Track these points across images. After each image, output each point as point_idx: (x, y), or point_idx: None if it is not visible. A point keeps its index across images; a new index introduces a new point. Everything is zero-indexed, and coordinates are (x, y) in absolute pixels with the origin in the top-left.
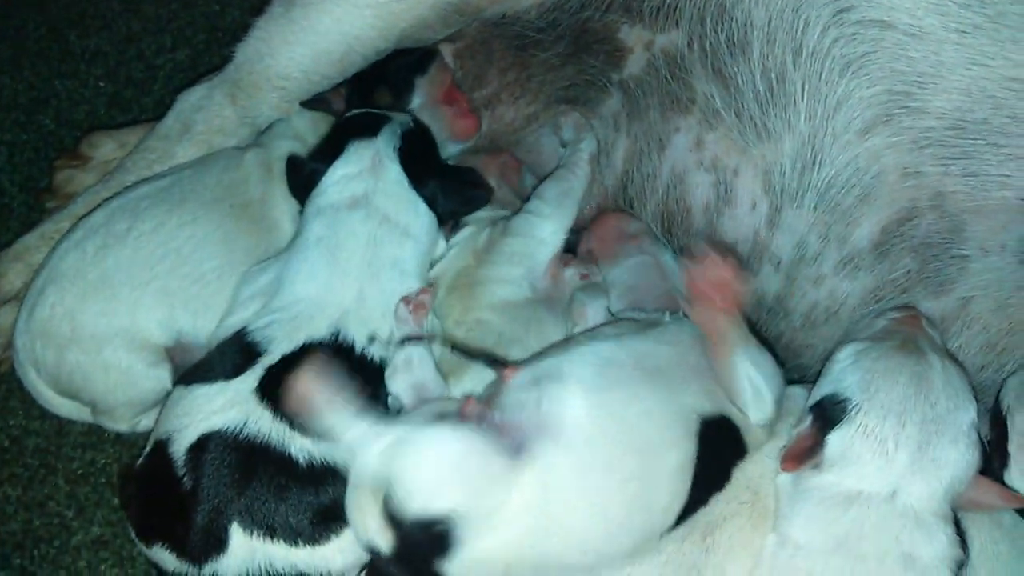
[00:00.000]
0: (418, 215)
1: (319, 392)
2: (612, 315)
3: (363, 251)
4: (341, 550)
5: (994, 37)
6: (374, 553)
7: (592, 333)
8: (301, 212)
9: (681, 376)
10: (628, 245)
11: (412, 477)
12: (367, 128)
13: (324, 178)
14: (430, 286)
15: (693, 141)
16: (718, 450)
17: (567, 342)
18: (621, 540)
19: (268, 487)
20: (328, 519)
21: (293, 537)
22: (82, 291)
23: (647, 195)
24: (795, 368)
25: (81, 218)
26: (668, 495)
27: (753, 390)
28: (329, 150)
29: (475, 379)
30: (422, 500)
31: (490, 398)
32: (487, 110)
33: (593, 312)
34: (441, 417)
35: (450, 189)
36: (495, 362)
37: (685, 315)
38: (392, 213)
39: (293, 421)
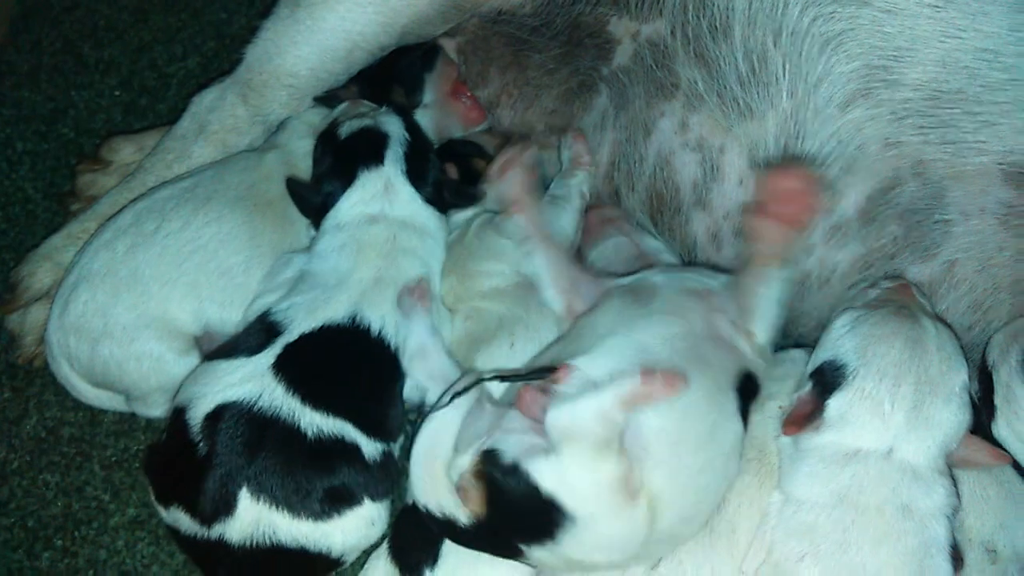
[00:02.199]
0: (430, 217)
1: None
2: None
3: (382, 248)
4: (343, 530)
5: (964, 10)
6: (444, 524)
7: (610, 324)
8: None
9: (703, 346)
10: (607, 227)
11: (576, 470)
12: (373, 155)
13: (339, 203)
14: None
15: (678, 124)
16: (744, 403)
17: (572, 334)
18: (686, 528)
19: (277, 458)
20: (332, 496)
21: (297, 508)
22: (114, 287)
23: (635, 179)
24: (794, 336)
25: (106, 218)
26: (733, 470)
27: (770, 311)
28: (339, 175)
29: (485, 359)
30: (558, 481)
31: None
32: (489, 113)
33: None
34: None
35: (451, 190)
36: (541, 372)
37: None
38: (408, 220)
39: (306, 395)
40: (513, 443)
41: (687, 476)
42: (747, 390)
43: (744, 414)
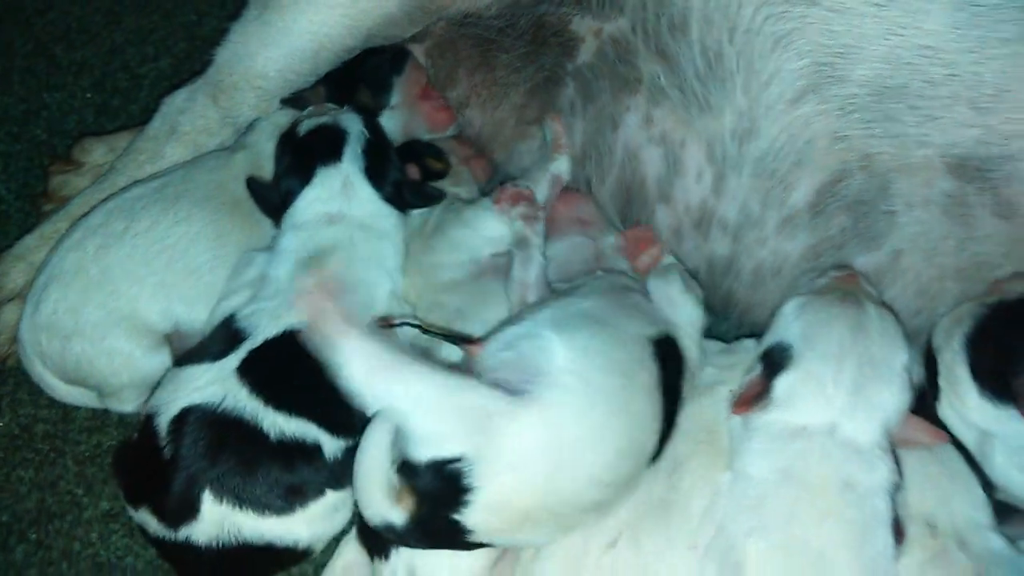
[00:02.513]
0: (388, 217)
1: (324, 312)
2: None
3: (340, 255)
4: (308, 522)
5: (906, 8)
6: (390, 531)
7: (536, 306)
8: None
9: (621, 314)
10: (575, 227)
11: (424, 422)
12: (331, 152)
13: (297, 200)
14: None
15: (643, 118)
16: (670, 364)
17: (518, 315)
18: (624, 465)
19: (239, 459)
20: (295, 492)
21: (260, 507)
22: (84, 287)
23: (605, 171)
24: (748, 325)
25: (78, 219)
26: (650, 410)
27: (670, 298)
28: (298, 172)
29: (446, 350)
30: (435, 445)
31: (467, 371)
32: (459, 112)
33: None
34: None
35: (412, 190)
36: (461, 339)
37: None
38: (367, 221)
39: (268, 397)
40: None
41: (594, 406)
42: (667, 351)
43: (671, 378)
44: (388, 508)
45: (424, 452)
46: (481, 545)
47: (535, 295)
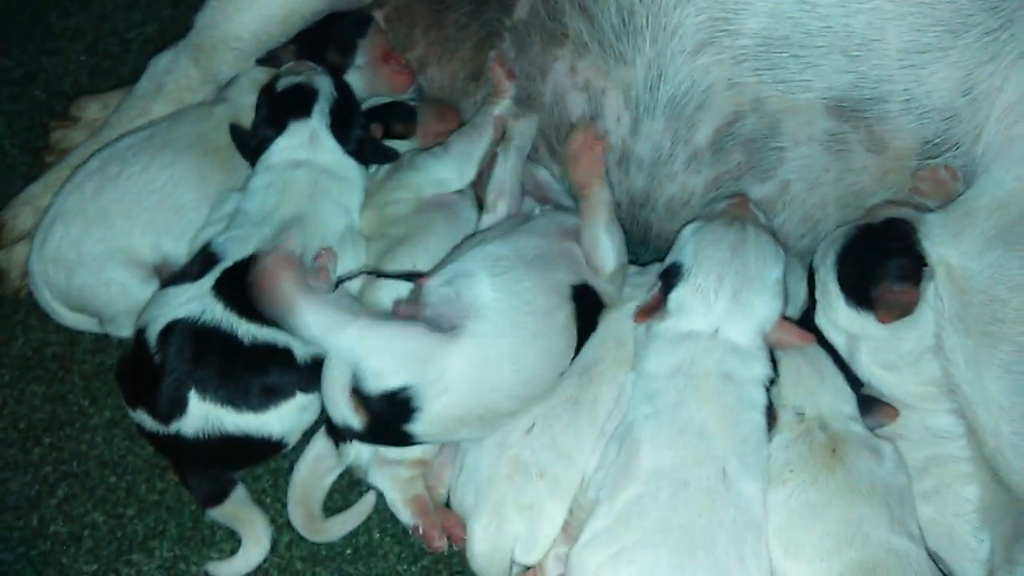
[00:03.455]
0: (349, 167)
1: (284, 281)
2: None
3: (304, 189)
4: (279, 418)
5: None
6: (349, 431)
7: (479, 238)
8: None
9: (551, 259)
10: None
11: (373, 364)
12: (302, 108)
13: (271, 147)
14: None
15: (568, 68)
16: (586, 306)
17: (461, 247)
18: (537, 383)
19: (218, 363)
20: (267, 391)
21: (238, 404)
22: (84, 224)
23: (538, 111)
24: (664, 251)
25: (77, 167)
26: (563, 344)
27: (605, 243)
28: (272, 123)
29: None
30: (384, 380)
31: (414, 301)
32: (420, 74)
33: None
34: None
35: (370, 147)
36: (411, 276)
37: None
38: (329, 166)
39: (240, 310)
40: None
41: (514, 336)
42: (584, 296)
43: (586, 315)
44: (349, 415)
45: (375, 386)
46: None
47: (507, 203)
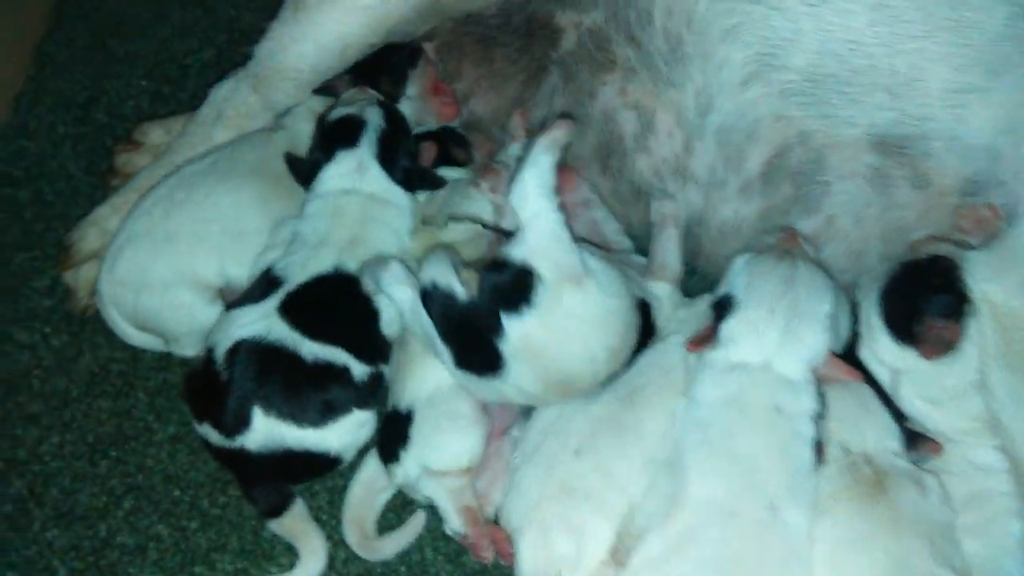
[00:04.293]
0: (396, 193)
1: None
2: None
3: (355, 215)
4: (337, 434)
5: (835, 8)
6: (445, 298)
7: None
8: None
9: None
10: (579, 209)
11: (533, 240)
12: (350, 138)
13: (321, 173)
14: None
15: (618, 90)
16: (643, 318)
17: None
18: (613, 358)
19: (283, 380)
20: (326, 408)
21: (300, 420)
22: (153, 247)
23: (584, 130)
24: (711, 278)
25: (142, 191)
26: (632, 336)
27: (674, 249)
28: (323, 151)
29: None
30: (531, 256)
31: None
32: (464, 105)
33: None
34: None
35: (417, 175)
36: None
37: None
38: (376, 194)
39: (304, 330)
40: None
41: (614, 306)
42: (642, 309)
43: (642, 329)
44: (453, 278)
45: (520, 254)
46: (494, 366)
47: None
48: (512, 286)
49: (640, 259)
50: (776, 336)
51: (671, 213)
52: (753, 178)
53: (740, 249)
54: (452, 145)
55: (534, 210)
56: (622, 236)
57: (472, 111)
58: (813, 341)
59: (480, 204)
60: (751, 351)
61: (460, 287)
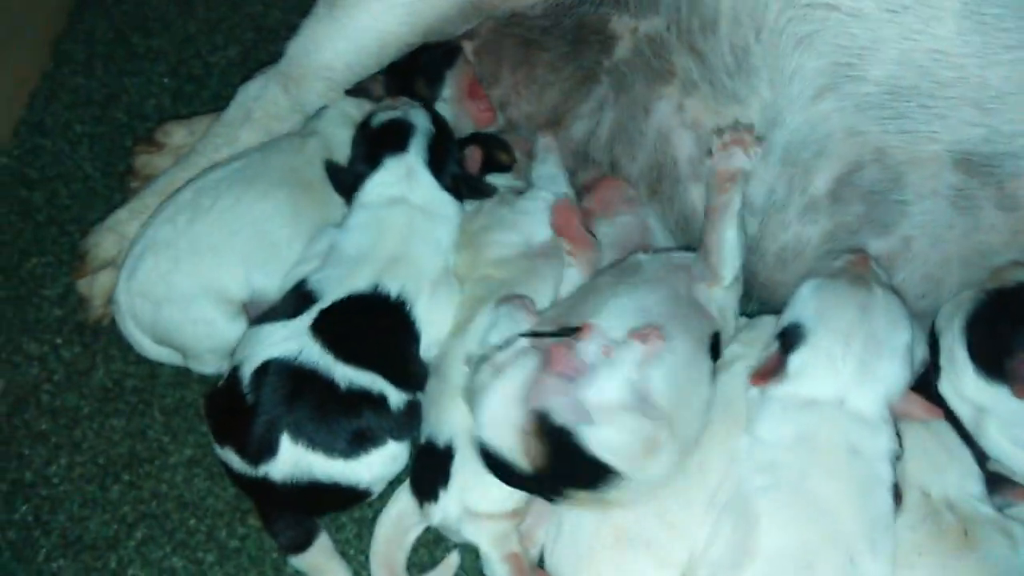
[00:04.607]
0: (445, 203)
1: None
2: None
3: (401, 229)
4: (369, 466)
5: (919, 15)
6: (504, 464)
7: (608, 285)
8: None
9: (688, 311)
10: (623, 207)
11: (608, 434)
12: (399, 143)
13: (366, 183)
14: None
15: (675, 106)
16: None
17: (580, 298)
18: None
19: (313, 406)
20: (361, 439)
21: (330, 450)
22: (175, 257)
23: (636, 150)
24: (770, 302)
25: (163, 195)
26: (709, 407)
27: (728, 251)
28: (368, 159)
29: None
30: (608, 452)
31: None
32: (501, 111)
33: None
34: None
35: (467, 183)
36: (568, 331)
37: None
38: (426, 204)
39: (338, 352)
40: (559, 408)
41: (688, 418)
42: (715, 346)
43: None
44: (514, 443)
45: (598, 451)
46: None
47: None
48: (580, 476)
49: (684, 253)
50: (853, 370)
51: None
52: (820, 197)
53: (802, 274)
54: (494, 149)
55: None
56: (668, 240)
57: (508, 118)
58: (892, 375)
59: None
60: (824, 386)
61: (525, 462)
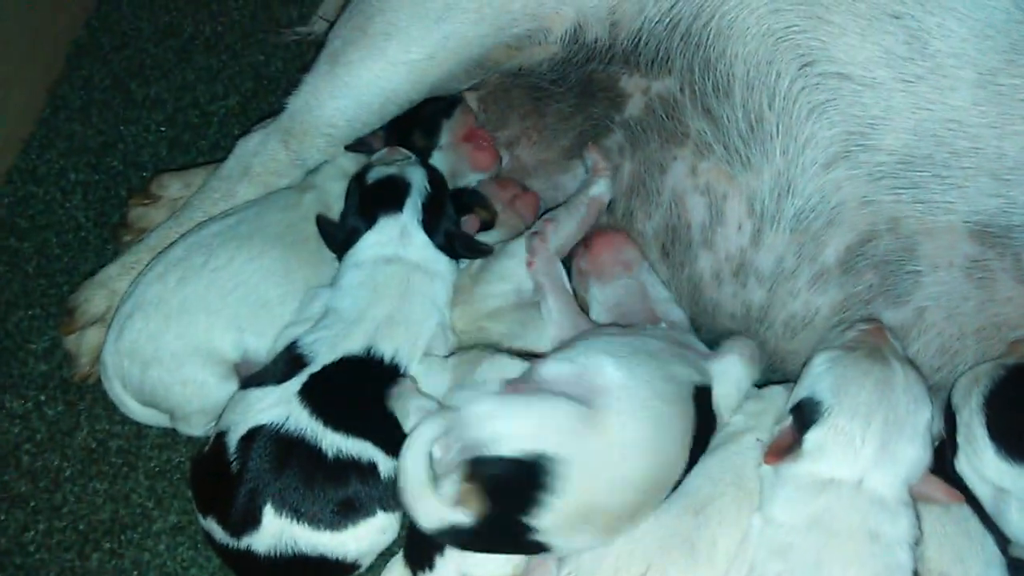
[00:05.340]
0: (440, 261)
1: None
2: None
3: (397, 288)
4: (356, 539)
5: (934, 85)
6: (451, 533)
7: (592, 332)
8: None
9: (671, 356)
10: (619, 270)
11: (512, 425)
12: (393, 202)
13: (359, 241)
14: None
15: (689, 168)
16: (702, 416)
17: (570, 343)
18: (659, 478)
19: (299, 475)
20: (348, 509)
21: (316, 522)
22: (165, 317)
23: (652, 209)
24: (779, 372)
25: (156, 250)
26: (682, 443)
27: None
28: (362, 215)
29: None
30: (521, 443)
31: (525, 379)
32: (508, 150)
33: None
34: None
35: (462, 243)
36: (526, 355)
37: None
38: (421, 262)
39: (327, 419)
40: (487, 438)
41: (645, 422)
42: (702, 403)
43: (701, 426)
44: (448, 511)
45: (509, 448)
46: (536, 548)
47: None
48: (517, 491)
49: (694, 340)
50: (872, 450)
51: None
52: (830, 267)
53: (812, 343)
54: (478, 208)
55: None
56: (673, 306)
57: (517, 158)
58: (913, 456)
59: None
60: (843, 466)
61: (463, 516)
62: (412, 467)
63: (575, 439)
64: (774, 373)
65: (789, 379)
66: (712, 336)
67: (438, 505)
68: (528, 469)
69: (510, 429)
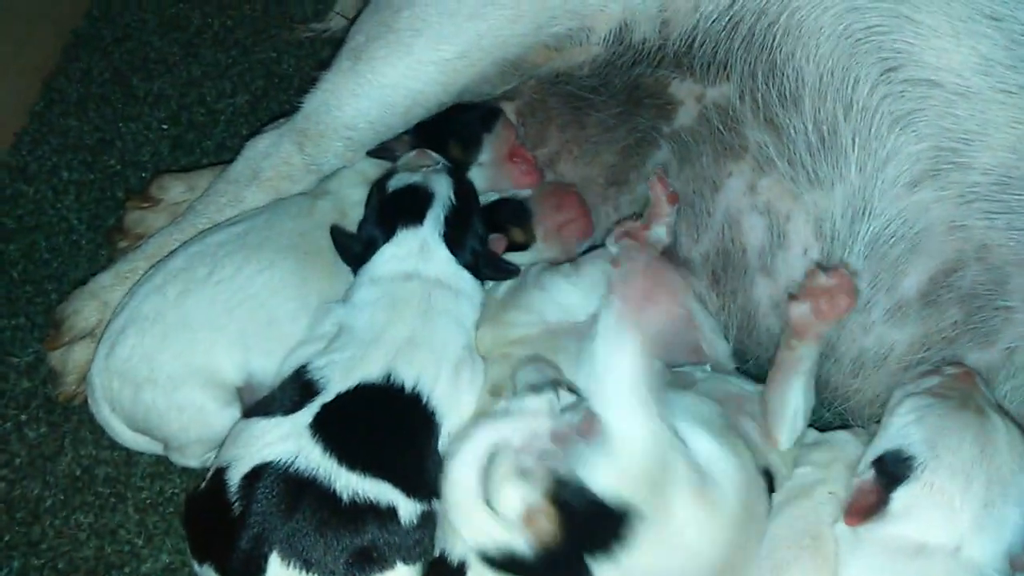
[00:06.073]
0: (464, 279)
1: None
2: None
3: (417, 306)
4: None
5: None
6: (501, 554)
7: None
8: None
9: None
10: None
11: (613, 465)
12: (414, 214)
13: (376, 255)
14: None
15: (746, 185)
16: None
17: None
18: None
19: (310, 520)
20: (364, 560)
21: (328, 573)
22: (162, 333)
23: (700, 231)
24: (843, 411)
25: (155, 259)
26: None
27: (794, 418)
28: (380, 226)
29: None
30: (616, 487)
31: None
32: (549, 168)
33: None
34: None
35: (488, 262)
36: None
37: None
38: (443, 279)
39: (342, 456)
40: (575, 460)
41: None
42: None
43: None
44: (504, 526)
45: (602, 483)
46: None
47: None
48: (595, 524)
49: (743, 383)
50: (973, 514)
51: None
52: (910, 299)
53: (884, 383)
54: (511, 226)
55: (623, 424)
56: (719, 339)
57: (560, 175)
58: (1017, 520)
59: (552, 299)
60: (938, 530)
61: (527, 543)
62: (472, 457)
63: (665, 500)
64: (836, 415)
65: (849, 422)
66: (761, 370)
67: (491, 525)
68: (612, 513)
69: (612, 467)
